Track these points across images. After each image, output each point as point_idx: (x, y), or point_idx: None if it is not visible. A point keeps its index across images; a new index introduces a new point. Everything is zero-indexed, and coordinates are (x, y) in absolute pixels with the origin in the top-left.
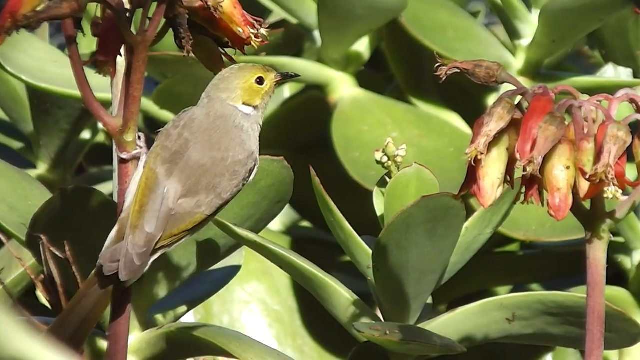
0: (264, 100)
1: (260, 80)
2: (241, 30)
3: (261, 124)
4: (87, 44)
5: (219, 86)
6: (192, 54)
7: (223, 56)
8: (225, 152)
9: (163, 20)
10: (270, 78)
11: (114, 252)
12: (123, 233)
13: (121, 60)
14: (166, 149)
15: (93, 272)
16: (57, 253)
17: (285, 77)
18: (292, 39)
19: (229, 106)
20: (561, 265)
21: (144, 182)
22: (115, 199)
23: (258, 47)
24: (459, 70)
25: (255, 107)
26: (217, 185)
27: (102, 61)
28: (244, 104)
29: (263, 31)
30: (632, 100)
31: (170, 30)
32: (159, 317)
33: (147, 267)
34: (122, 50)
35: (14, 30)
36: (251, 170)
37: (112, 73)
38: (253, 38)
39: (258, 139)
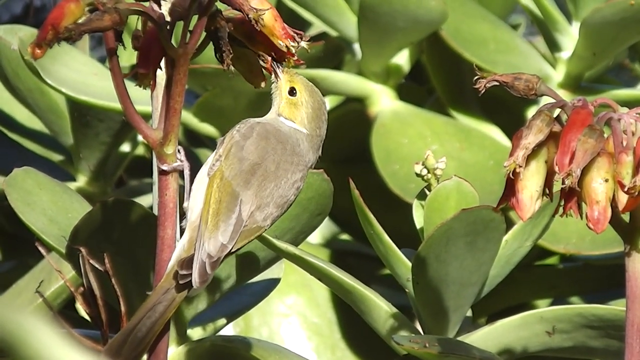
0: (301, 112)
1: (292, 91)
2: (282, 44)
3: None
4: (128, 56)
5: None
6: (232, 67)
7: (263, 69)
8: (294, 167)
9: (204, 33)
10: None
11: (188, 261)
12: (194, 241)
13: (161, 73)
14: (242, 159)
15: (163, 279)
16: (96, 266)
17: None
18: (332, 52)
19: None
20: (601, 278)
21: (218, 192)
22: (155, 211)
23: (296, 62)
24: (498, 83)
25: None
26: (285, 199)
27: (143, 74)
28: (287, 118)
29: (304, 44)
30: None
31: (211, 43)
32: (199, 329)
33: (212, 277)
34: (162, 63)
35: (55, 43)
36: (297, 194)
37: (152, 86)
38: (294, 51)
39: (312, 152)
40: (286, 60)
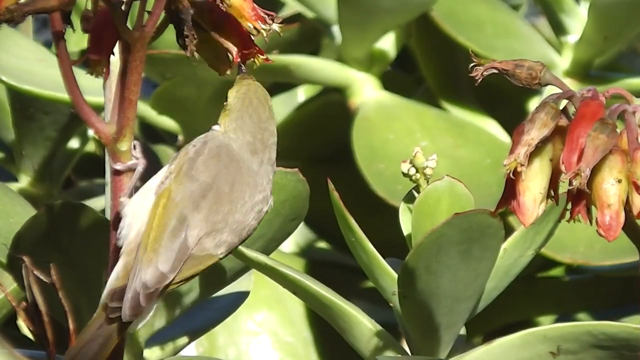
0: (232, 117)
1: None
2: (251, 26)
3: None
4: (77, 40)
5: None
6: (196, 54)
7: (230, 55)
8: (251, 188)
9: (163, 15)
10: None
11: (120, 292)
12: (130, 268)
13: (115, 60)
14: (192, 178)
15: (97, 312)
16: (42, 277)
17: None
18: (309, 35)
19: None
20: (613, 291)
21: (162, 212)
22: (108, 215)
23: (267, 45)
24: (497, 71)
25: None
26: (242, 224)
27: (94, 60)
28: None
29: (276, 27)
30: None
31: (171, 26)
32: (157, 349)
33: (153, 309)
34: (117, 48)
35: None
36: (265, 211)
37: (105, 74)
38: (265, 35)
39: (265, 161)
40: (253, 52)
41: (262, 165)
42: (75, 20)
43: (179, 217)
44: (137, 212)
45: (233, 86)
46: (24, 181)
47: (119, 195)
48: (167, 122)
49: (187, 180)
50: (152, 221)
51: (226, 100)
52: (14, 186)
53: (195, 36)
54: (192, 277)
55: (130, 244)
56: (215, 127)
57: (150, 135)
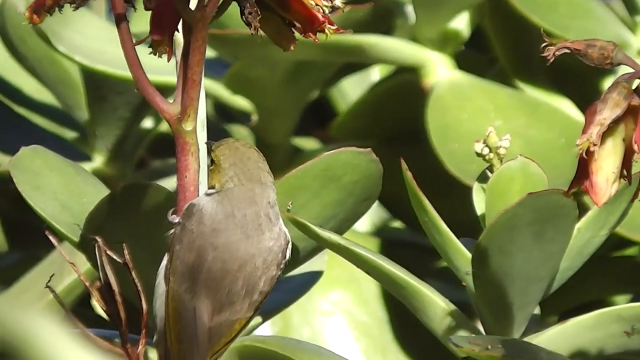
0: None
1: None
2: (313, 3)
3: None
4: (145, 21)
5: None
6: (260, 32)
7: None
8: (252, 247)
9: None
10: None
11: None
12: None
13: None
14: (184, 263)
15: None
16: (114, 257)
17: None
18: (382, 15)
19: (257, 186)
20: None
21: (172, 307)
22: None
23: (331, 33)
24: (569, 51)
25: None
26: (252, 286)
27: (156, 40)
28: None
29: (338, 2)
30: None
31: (235, 4)
32: None
33: None
34: (180, 28)
35: (55, 8)
36: (286, 248)
37: (168, 53)
38: (327, 24)
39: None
40: (323, 25)
41: (263, 200)
42: (139, 0)
43: (185, 306)
44: (158, 302)
45: (212, 152)
46: (98, 161)
47: (185, 175)
48: (241, 102)
49: (179, 264)
50: (169, 317)
51: (211, 164)
52: (88, 166)
53: (259, 12)
54: (230, 341)
55: (158, 335)
56: (210, 191)
57: (224, 115)
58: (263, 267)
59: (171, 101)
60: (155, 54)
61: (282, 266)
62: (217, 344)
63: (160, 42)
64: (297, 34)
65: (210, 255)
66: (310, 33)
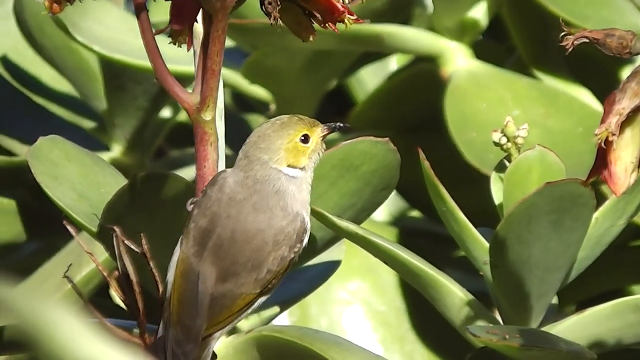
0: (312, 159)
1: (305, 138)
2: None
3: (311, 183)
4: (165, 10)
5: (259, 145)
6: (280, 22)
7: (313, 22)
8: (263, 222)
9: None
10: (317, 133)
11: (157, 346)
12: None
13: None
14: (197, 227)
15: None
16: (132, 247)
17: (333, 129)
18: (400, 5)
19: (271, 169)
20: None
21: (179, 269)
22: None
23: (350, 24)
24: (588, 40)
25: (302, 169)
26: (259, 261)
27: (176, 30)
28: (289, 166)
29: None
30: None
31: None
32: (249, 319)
33: (210, 353)
34: (200, 18)
35: None
36: (303, 233)
37: (188, 43)
38: (347, 14)
39: (309, 200)
40: (343, 15)
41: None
42: None
43: (191, 269)
44: (169, 270)
45: (306, 127)
46: (116, 151)
47: (204, 165)
48: (259, 92)
49: (193, 229)
50: (175, 280)
51: (305, 140)
52: (106, 156)
53: (278, 3)
54: (234, 315)
55: (165, 301)
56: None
57: (242, 104)
58: (273, 244)
59: (190, 91)
60: (174, 44)
61: (295, 249)
62: (219, 314)
63: (180, 31)
64: (315, 25)
65: (221, 222)
66: (330, 23)
